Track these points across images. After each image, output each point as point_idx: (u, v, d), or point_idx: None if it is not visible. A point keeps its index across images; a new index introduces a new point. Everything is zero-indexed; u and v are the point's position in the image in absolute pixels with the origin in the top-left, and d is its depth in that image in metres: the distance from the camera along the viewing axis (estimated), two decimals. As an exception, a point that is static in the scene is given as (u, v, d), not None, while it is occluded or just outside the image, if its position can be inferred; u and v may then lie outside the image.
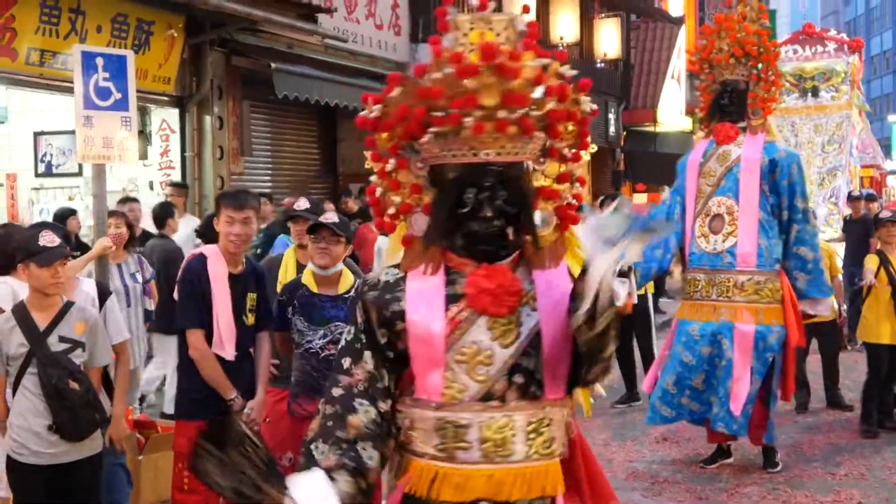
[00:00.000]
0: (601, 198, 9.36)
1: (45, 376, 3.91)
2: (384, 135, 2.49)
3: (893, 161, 37.37)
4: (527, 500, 2.36)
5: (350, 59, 12.46)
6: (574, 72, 2.45)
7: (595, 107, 2.48)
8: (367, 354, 2.45)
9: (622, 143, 21.76)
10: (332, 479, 2.34)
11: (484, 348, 2.36)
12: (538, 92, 2.31)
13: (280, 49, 11.11)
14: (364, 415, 2.42)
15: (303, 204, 4.85)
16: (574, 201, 2.50)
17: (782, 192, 6.36)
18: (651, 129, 22.30)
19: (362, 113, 2.52)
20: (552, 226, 2.45)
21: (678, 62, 22.87)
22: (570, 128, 2.45)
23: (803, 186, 6.49)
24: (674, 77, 22.78)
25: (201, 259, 4.35)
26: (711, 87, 6.75)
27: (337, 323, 4.40)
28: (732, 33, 6.59)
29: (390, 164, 2.50)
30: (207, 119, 10.56)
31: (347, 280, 4.50)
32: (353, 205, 11.28)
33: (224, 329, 4.30)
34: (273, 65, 10.54)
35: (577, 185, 2.51)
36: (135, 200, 8.46)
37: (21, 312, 4.00)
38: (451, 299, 2.39)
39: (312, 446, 2.39)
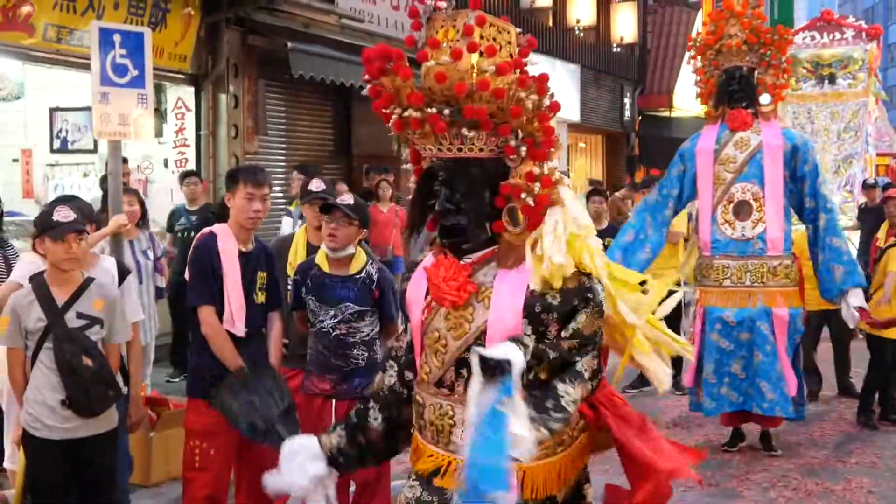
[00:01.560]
0: (588, 191, 9.34)
1: (59, 352, 3.92)
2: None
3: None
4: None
5: (366, 39, 12.40)
6: (534, 68, 2.42)
7: (551, 101, 2.40)
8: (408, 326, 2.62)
9: (637, 128, 21.68)
10: (328, 431, 2.60)
11: (441, 336, 2.45)
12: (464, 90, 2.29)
13: (296, 28, 11.08)
14: (388, 378, 2.64)
15: (318, 185, 4.85)
16: (530, 202, 2.36)
17: (804, 176, 6.39)
18: (666, 113, 22.20)
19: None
20: (522, 225, 2.39)
21: (695, 48, 22.72)
22: (531, 123, 2.37)
23: (821, 173, 6.52)
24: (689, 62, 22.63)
25: (211, 236, 4.35)
26: (712, 74, 6.75)
27: (347, 303, 4.41)
28: (745, 20, 6.60)
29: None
30: (223, 97, 10.56)
31: (359, 261, 4.51)
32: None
33: (234, 305, 4.31)
34: (289, 44, 10.52)
35: (539, 185, 2.36)
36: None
37: (40, 287, 4.00)
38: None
39: None
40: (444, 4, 2.42)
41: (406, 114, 2.34)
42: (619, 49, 20.13)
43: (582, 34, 18.17)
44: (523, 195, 2.35)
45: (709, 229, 6.54)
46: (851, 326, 6.64)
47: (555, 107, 2.41)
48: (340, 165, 13.17)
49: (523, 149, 2.37)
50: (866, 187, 11.38)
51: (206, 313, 4.28)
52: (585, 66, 18.91)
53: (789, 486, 5.96)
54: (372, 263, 4.53)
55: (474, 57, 2.31)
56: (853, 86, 11.63)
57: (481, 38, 2.35)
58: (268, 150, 11.64)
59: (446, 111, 2.31)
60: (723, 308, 6.42)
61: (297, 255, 4.95)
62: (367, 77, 2.41)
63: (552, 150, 2.43)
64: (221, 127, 10.64)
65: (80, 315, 4.00)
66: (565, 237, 2.40)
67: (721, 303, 6.45)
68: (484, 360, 2.12)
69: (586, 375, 2.39)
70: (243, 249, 4.38)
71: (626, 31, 19.88)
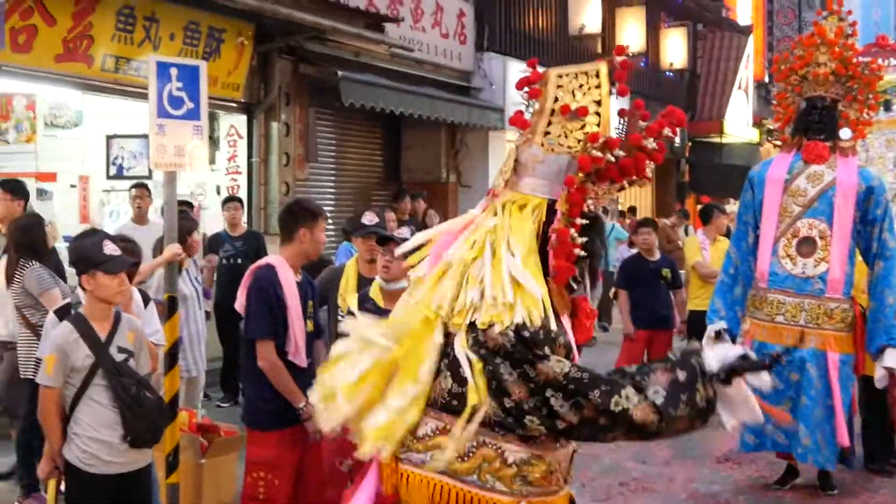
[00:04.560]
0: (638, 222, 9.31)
1: (120, 387, 3.92)
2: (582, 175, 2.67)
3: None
4: None
5: (415, 67, 12.53)
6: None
7: None
8: None
9: (687, 154, 21.53)
10: None
11: None
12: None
13: (346, 57, 11.22)
14: None
15: (372, 219, 4.88)
16: None
17: (875, 220, 6.14)
18: (717, 140, 22.01)
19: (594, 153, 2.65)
20: None
21: (746, 72, 22.54)
22: None
23: (892, 220, 6.24)
24: (741, 88, 22.46)
25: (270, 268, 4.40)
26: (794, 100, 6.53)
27: (400, 338, 4.42)
28: (836, 50, 6.35)
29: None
30: (274, 125, 10.70)
31: (415, 295, 4.52)
32: (409, 208, 11.25)
33: (299, 336, 4.37)
34: (340, 73, 10.63)
35: None
36: (144, 186, 8.76)
37: (82, 324, 3.99)
38: None
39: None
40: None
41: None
42: (669, 74, 20.05)
43: (632, 57, 18.11)
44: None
45: (768, 261, 6.29)
46: (879, 387, 6.19)
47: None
48: (389, 192, 13.26)
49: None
50: (922, 216, 11.16)
51: (265, 347, 4.32)
52: (635, 92, 18.85)
53: (844, 525, 5.84)
54: (426, 299, 4.55)
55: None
56: (910, 113, 11.43)
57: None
58: (318, 178, 11.76)
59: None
60: (773, 344, 6.13)
61: (347, 287, 4.98)
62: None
63: None
64: (273, 154, 10.77)
65: (120, 349, 4.02)
66: None
67: (771, 339, 6.20)
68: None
69: None
70: (297, 280, 4.44)
71: (675, 56, 19.80)
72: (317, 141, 11.47)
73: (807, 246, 6.19)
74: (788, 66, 6.56)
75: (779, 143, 6.72)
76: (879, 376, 6.07)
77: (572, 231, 2.56)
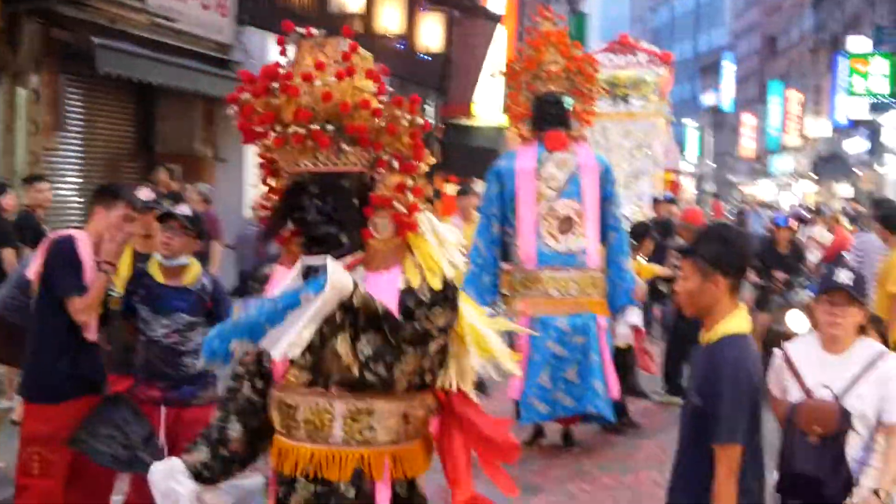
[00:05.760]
0: None
1: None
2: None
3: (686, 162, 40.04)
4: (345, 480, 2.59)
5: (174, 37, 12.15)
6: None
7: (423, 120, 2.66)
8: None
9: (439, 136, 22.19)
10: (189, 449, 2.73)
11: (312, 340, 2.55)
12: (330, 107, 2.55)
13: (102, 23, 10.73)
14: (243, 390, 2.76)
15: (148, 195, 4.82)
16: (403, 209, 2.61)
17: (609, 196, 6.89)
18: (467, 122, 22.84)
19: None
20: (390, 232, 2.62)
21: (497, 59, 23.47)
22: (403, 139, 2.62)
23: (618, 197, 7.06)
24: (492, 74, 23.34)
25: (70, 237, 4.25)
26: (527, 97, 7.12)
27: (181, 314, 4.44)
28: (564, 48, 7.01)
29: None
30: (22, 92, 10.09)
31: (194, 272, 4.54)
32: (167, 181, 10.89)
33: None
34: (95, 40, 10.18)
35: (410, 194, 2.63)
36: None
37: None
38: None
39: None
40: (315, 32, 2.67)
41: (290, 130, 2.53)
42: (425, 57, 20.56)
43: (392, 41, 18.46)
44: (395, 204, 2.59)
45: (533, 243, 6.84)
46: (622, 345, 7.05)
47: (427, 126, 2.68)
48: (141, 164, 12.84)
49: (395, 162, 2.61)
50: (655, 202, 12.24)
51: (80, 301, 4.17)
52: (392, 74, 19.21)
53: (585, 480, 6.41)
54: (206, 274, 4.59)
55: (357, 79, 2.58)
56: (645, 107, 12.51)
57: (353, 63, 2.61)
58: (66, 147, 11.22)
59: (329, 127, 2.53)
60: (554, 316, 6.75)
61: (123, 263, 4.89)
62: (245, 96, 2.58)
63: (422, 163, 2.68)
64: (19, 122, 10.15)
65: None
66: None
67: (550, 311, 6.78)
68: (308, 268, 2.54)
69: (432, 348, 2.63)
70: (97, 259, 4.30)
71: (432, 40, 20.32)
72: (66, 109, 10.92)
73: (566, 224, 6.83)
74: (522, 68, 7.18)
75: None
76: (623, 333, 6.87)
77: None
